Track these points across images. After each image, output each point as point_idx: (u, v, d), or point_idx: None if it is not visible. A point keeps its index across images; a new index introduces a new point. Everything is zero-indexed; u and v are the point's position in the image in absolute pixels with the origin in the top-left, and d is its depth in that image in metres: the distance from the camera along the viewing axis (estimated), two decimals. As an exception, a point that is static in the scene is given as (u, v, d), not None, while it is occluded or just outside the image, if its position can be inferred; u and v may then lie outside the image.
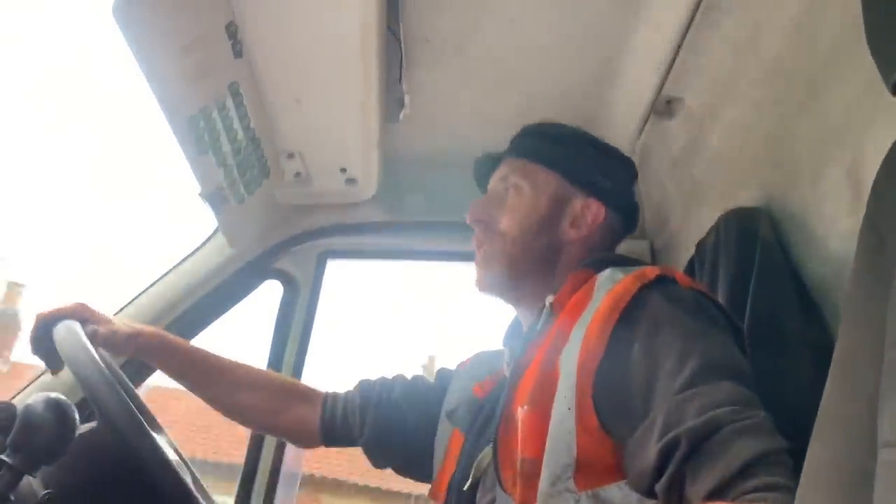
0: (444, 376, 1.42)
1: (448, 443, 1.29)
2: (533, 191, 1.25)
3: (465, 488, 1.16)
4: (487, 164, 1.35)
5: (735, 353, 1.00)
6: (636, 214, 1.34)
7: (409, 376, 1.46)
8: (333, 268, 1.95)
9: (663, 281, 1.07)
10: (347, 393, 1.44)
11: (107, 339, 1.29)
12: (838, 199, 1.11)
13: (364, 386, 1.44)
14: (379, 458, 1.41)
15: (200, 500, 1.14)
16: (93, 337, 1.22)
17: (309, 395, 1.46)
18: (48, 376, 1.53)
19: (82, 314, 1.27)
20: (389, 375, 1.46)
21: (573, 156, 1.28)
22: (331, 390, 1.46)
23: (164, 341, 1.40)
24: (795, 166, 1.24)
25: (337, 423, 1.41)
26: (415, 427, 1.37)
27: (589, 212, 1.24)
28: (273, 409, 1.44)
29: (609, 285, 1.07)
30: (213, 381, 1.42)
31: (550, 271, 1.23)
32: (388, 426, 1.38)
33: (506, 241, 1.24)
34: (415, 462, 1.36)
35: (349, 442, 1.43)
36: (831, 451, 0.55)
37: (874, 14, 0.62)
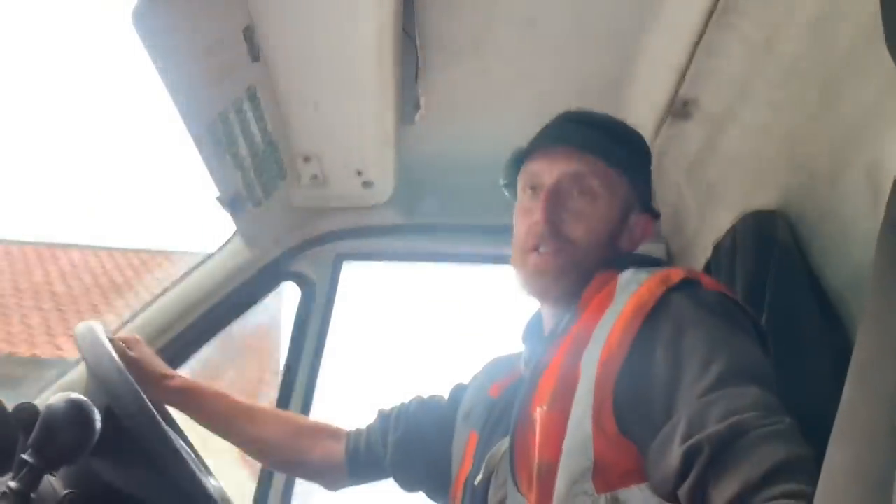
0: (458, 390, 1.43)
1: (465, 444, 1.29)
2: (609, 200, 1.18)
3: (477, 483, 1.16)
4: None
5: (759, 357, 0.99)
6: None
7: (424, 396, 1.47)
8: (351, 271, 1.96)
9: (688, 284, 1.05)
10: (368, 425, 1.46)
11: (139, 370, 1.32)
12: (857, 201, 1.10)
13: (382, 413, 1.46)
14: (405, 474, 1.41)
15: (214, 495, 1.16)
16: (122, 355, 1.27)
17: (334, 432, 1.48)
18: (70, 376, 1.55)
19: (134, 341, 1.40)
20: (406, 400, 1.47)
21: (639, 164, 1.24)
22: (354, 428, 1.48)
23: (192, 385, 1.44)
24: (813, 168, 1.24)
25: (361, 454, 1.43)
26: (435, 438, 1.37)
27: (639, 227, 1.22)
28: (300, 447, 1.46)
29: (632, 287, 1.06)
30: (242, 423, 1.45)
31: (593, 275, 1.17)
32: (409, 439, 1.39)
33: (576, 251, 1.16)
34: (440, 475, 1.33)
35: (376, 469, 1.43)
36: (851, 455, 0.54)
37: (893, 14, 0.61)
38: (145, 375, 1.35)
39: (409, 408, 1.43)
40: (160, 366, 1.43)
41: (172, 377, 1.42)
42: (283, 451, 1.47)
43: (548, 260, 1.16)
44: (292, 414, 1.74)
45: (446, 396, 1.44)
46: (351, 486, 1.48)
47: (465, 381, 1.43)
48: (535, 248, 1.17)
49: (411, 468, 1.39)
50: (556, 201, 1.17)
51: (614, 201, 1.18)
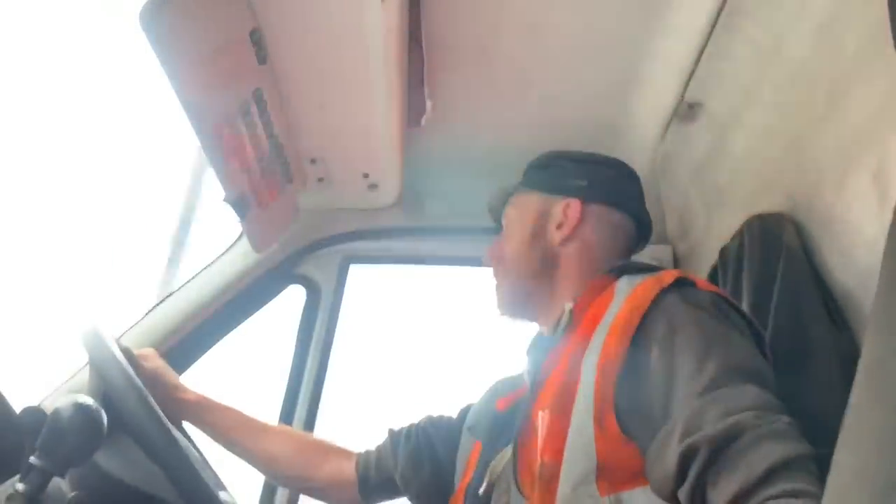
0: (466, 409, 1.44)
1: (469, 454, 1.30)
2: (519, 215, 1.34)
3: (481, 493, 1.17)
4: (497, 209, 1.41)
5: (756, 356, 0.99)
6: (637, 209, 1.34)
7: (434, 415, 1.48)
8: (357, 274, 1.96)
9: (682, 284, 1.07)
10: (378, 445, 1.48)
11: (151, 381, 1.34)
12: (864, 204, 1.10)
13: (392, 431, 1.48)
14: (415, 487, 1.41)
15: (221, 499, 1.16)
16: (137, 366, 1.32)
17: (344, 451, 1.50)
18: (77, 379, 1.55)
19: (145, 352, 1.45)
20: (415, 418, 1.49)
21: (548, 171, 1.36)
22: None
23: (202, 399, 1.46)
24: (820, 172, 1.23)
25: (372, 472, 1.44)
26: (443, 451, 1.39)
27: (569, 210, 1.29)
28: (311, 463, 1.48)
29: (628, 290, 1.08)
30: (253, 437, 1.48)
31: (553, 278, 1.27)
32: (420, 452, 1.41)
33: (507, 266, 1.32)
34: (448, 487, 1.35)
35: (387, 487, 1.44)
36: (858, 460, 0.54)
37: (900, 18, 0.61)
38: (161, 388, 1.38)
39: (420, 424, 1.46)
40: (174, 379, 1.45)
41: (186, 391, 1.45)
42: (292, 467, 1.48)
43: (494, 280, 1.35)
44: (303, 432, 1.75)
45: (455, 416, 1.46)
46: (360, 502, 1.48)
47: (473, 400, 1.45)
48: (494, 278, 1.36)
49: (421, 481, 1.40)
50: (491, 247, 1.37)
51: (525, 213, 1.34)
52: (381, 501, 1.48)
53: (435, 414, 1.48)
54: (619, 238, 1.31)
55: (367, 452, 1.47)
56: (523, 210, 1.34)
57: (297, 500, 1.78)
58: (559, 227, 1.29)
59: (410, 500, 1.43)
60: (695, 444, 0.86)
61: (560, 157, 1.38)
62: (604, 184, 1.33)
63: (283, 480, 1.63)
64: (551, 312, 1.23)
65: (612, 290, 1.12)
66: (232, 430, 1.46)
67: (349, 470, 1.45)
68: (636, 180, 1.39)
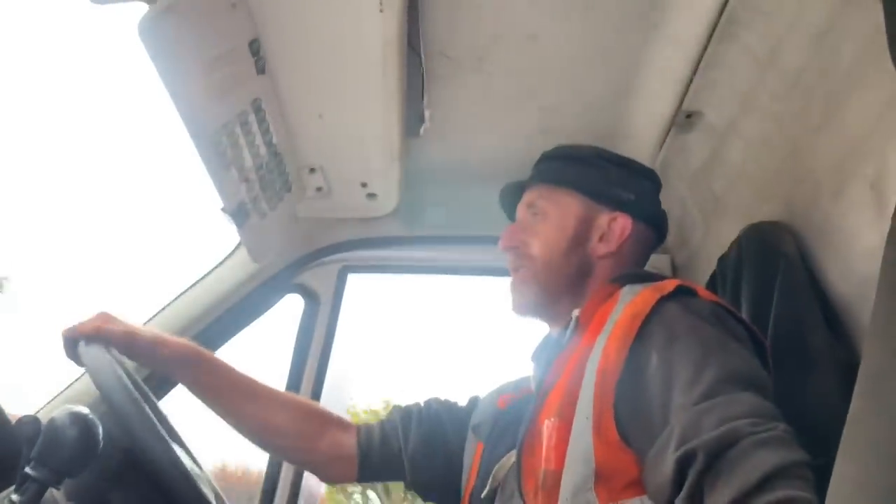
0: (474, 399, 1.43)
1: (473, 456, 1.29)
2: (558, 213, 1.28)
3: (484, 496, 1.17)
4: (513, 193, 1.38)
5: (754, 364, 0.99)
6: (665, 223, 1.35)
7: (442, 399, 1.45)
8: (355, 283, 1.96)
9: (682, 293, 1.08)
10: (381, 421, 1.41)
11: (126, 347, 1.23)
12: (862, 213, 1.10)
13: (399, 409, 1.42)
14: (422, 473, 1.36)
15: None
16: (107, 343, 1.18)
17: (343, 422, 1.40)
18: (73, 389, 1.54)
19: (104, 322, 1.22)
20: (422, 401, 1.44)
21: (593, 174, 1.31)
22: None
23: (189, 353, 1.32)
24: (818, 180, 1.23)
25: (375, 447, 1.37)
26: (453, 440, 1.36)
27: (616, 225, 1.26)
28: (309, 433, 1.37)
29: (629, 298, 1.08)
30: (246, 400, 1.34)
31: (584, 289, 1.25)
32: (433, 436, 1.36)
33: (536, 266, 1.27)
34: (454, 479, 1.32)
35: (388, 465, 1.37)
36: (859, 468, 0.54)
37: (897, 27, 0.61)
38: (141, 347, 1.26)
39: (431, 406, 1.41)
40: (153, 333, 1.30)
41: (167, 343, 1.30)
42: (288, 436, 1.36)
43: (515, 278, 1.29)
44: (299, 396, 1.66)
45: (462, 403, 1.43)
46: (357, 481, 1.41)
47: (479, 393, 1.43)
48: (513, 274, 1.30)
49: (430, 467, 1.35)
50: (512, 231, 1.32)
51: (566, 214, 1.28)
52: (378, 481, 1.45)
53: (443, 398, 1.44)
54: (646, 253, 1.33)
55: (369, 428, 1.39)
56: (562, 211, 1.28)
57: (296, 496, 1.77)
58: (602, 238, 1.26)
59: (416, 489, 1.38)
60: (691, 451, 0.86)
61: (600, 156, 1.34)
62: (649, 202, 1.33)
63: (275, 450, 1.50)
64: (566, 318, 1.21)
65: (616, 297, 1.13)
66: (222, 391, 1.33)
67: (349, 444, 1.36)
68: (660, 189, 1.38)
